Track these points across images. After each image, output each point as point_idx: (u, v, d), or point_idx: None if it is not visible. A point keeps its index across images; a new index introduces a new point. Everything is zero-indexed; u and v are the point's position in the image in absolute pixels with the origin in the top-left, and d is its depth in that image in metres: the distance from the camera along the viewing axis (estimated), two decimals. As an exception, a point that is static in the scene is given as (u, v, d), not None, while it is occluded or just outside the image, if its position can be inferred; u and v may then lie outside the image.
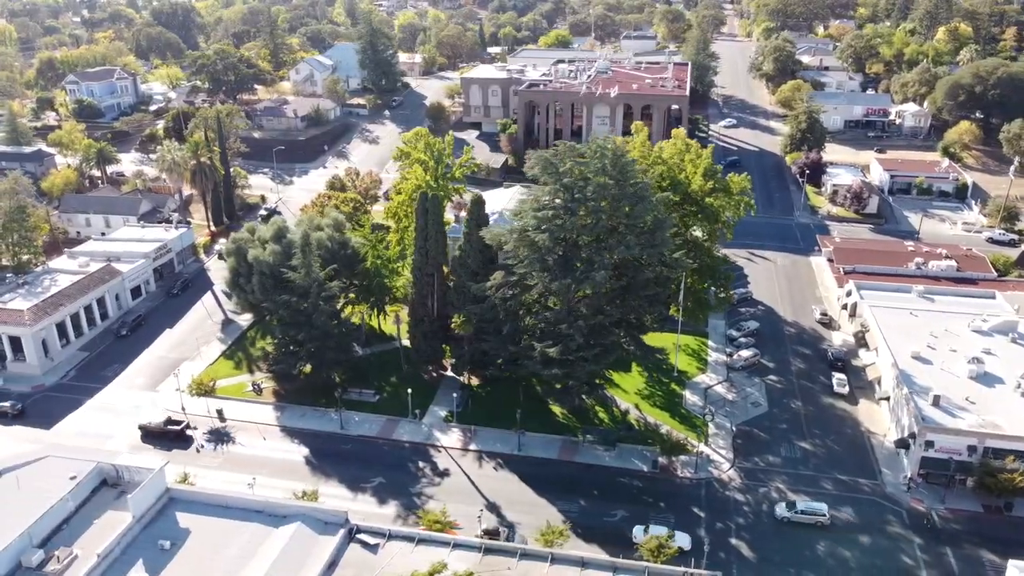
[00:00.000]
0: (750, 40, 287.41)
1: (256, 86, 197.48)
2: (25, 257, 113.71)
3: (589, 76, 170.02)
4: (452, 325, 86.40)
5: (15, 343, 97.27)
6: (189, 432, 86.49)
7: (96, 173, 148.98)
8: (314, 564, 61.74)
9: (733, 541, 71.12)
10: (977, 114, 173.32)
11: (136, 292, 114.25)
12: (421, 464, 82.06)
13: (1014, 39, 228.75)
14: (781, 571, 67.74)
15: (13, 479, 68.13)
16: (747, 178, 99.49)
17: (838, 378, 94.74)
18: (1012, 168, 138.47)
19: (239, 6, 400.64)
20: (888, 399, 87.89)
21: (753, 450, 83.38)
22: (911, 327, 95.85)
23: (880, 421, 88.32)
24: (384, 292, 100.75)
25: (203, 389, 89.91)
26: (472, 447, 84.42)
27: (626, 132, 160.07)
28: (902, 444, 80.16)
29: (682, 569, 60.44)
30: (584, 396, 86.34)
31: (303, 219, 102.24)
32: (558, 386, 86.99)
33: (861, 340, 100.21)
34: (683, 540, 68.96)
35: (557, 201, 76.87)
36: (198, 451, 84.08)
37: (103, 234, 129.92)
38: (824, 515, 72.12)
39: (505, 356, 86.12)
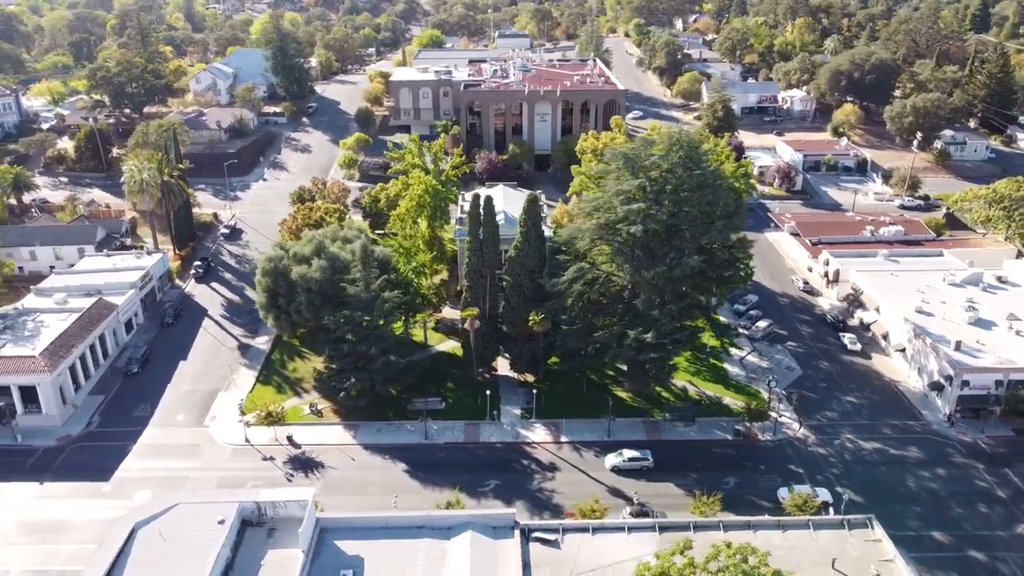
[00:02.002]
0: (615, 36, 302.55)
1: (168, 98, 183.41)
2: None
3: (519, 74, 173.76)
4: (529, 323, 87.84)
5: (26, 393, 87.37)
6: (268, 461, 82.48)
7: (11, 201, 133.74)
8: (510, 567, 62.26)
9: (837, 489, 78.72)
10: (853, 97, 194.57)
11: (128, 326, 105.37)
12: (524, 462, 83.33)
13: (852, 28, 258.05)
14: (890, 507, 75.82)
15: (154, 532, 62.90)
16: (749, 162, 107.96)
17: (849, 337, 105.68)
18: (915, 143, 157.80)
19: (61, 12, 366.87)
20: (903, 350, 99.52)
21: (810, 409, 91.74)
22: (897, 286, 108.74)
23: (898, 370, 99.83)
24: (421, 299, 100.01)
25: (274, 418, 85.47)
26: (562, 439, 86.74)
27: (565, 129, 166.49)
28: (936, 387, 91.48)
29: (839, 517, 66.96)
30: (662, 378, 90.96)
31: (326, 232, 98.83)
32: (623, 370, 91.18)
33: (854, 302, 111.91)
34: (824, 495, 75.58)
35: (642, 193, 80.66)
36: (289, 480, 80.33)
37: (52, 268, 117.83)
38: (648, 460, 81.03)
39: (584, 348, 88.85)
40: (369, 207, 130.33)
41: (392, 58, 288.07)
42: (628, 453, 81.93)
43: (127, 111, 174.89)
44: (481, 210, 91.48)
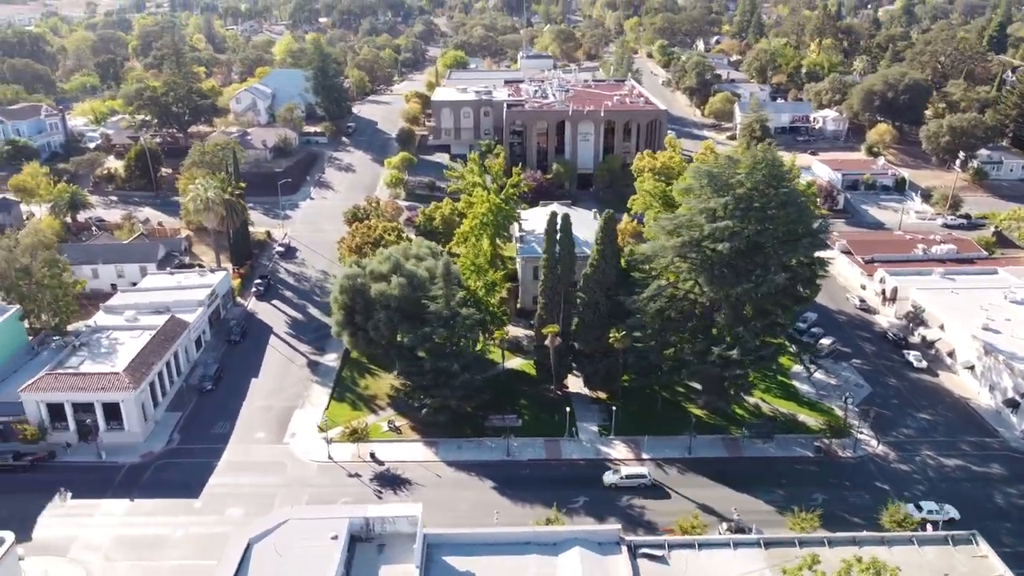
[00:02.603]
0: (638, 56, 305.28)
1: (214, 118, 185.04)
2: (58, 318, 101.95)
3: (558, 94, 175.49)
4: (610, 340, 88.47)
5: (109, 411, 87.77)
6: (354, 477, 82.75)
7: (67, 220, 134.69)
8: (625, 582, 62.47)
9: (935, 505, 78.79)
10: (885, 117, 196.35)
11: (197, 343, 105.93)
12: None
13: (874, 49, 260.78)
14: (982, 523, 75.66)
15: (270, 548, 63.14)
16: (813, 182, 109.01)
17: (914, 354, 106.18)
18: (956, 163, 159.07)
19: (83, 33, 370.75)
20: (972, 367, 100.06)
21: (885, 426, 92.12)
22: (958, 304, 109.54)
23: (967, 387, 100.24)
24: (491, 317, 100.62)
25: (359, 435, 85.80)
26: (644, 456, 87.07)
27: (607, 148, 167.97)
28: (1011, 403, 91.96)
29: (943, 533, 67.18)
30: (742, 394, 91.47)
31: (397, 249, 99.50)
32: (695, 388, 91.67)
33: (915, 319, 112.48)
34: (952, 512, 75.89)
35: (728, 212, 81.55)
36: (378, 497, 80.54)
37: (113, 285, 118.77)
38: (646, 477, 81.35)
39: (661, 365, 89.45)
40: (423, 225, 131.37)
41: (414, 78, 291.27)
42: (626, 470, 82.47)
43: (173, 131, 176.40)
44: (557, 228, 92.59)
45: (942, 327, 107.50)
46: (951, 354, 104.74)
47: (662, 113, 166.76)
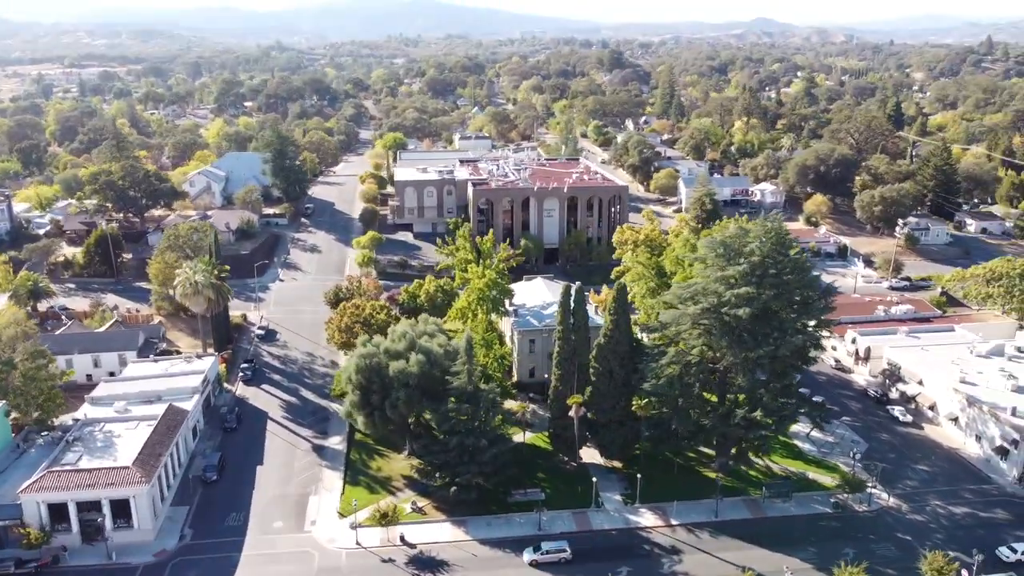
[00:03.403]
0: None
1: (172, 201, 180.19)
2: (42, 412, 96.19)
3: (517, 173, 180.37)
4: (633, 407, 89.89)
5: (117, 508, 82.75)
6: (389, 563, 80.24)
7: (27, 309, 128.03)
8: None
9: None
10: (818, 189, 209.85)
11: (193, 432, 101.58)
12: (645, 547, 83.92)
13: (790, 127, 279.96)
14: (1008, 567, 79.78)
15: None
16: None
17: (899, 409, 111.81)
18: (898, 229, 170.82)
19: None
20: (956, 419, 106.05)
21: (890, 479, 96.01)
22: (931, 360, 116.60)
23: (952, 438, 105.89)
24: (501, 390, 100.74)
25: (389, 519, 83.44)
26: (673, 522, 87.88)
27: (571, 224, 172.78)
28: (1001, 451, 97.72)
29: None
30: (760, 455, 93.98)
31: (408, 325, 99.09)
32: (704, 452, 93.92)
33: (892, 376, 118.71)
34: None
35: (742, 279, 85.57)
36: (419, 582, 78.35)
37: (89, 376, 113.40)
38: (566, 551, 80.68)
39: (679, 430, 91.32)
40: (407, 303, 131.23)
41: (350, 160, 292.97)
42: (546, 546, 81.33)
43: (129, 215, 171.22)
44: (572, 300, 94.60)
45: (920, 382, 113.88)
46: (932, 407, 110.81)
47: (623, 189, 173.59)
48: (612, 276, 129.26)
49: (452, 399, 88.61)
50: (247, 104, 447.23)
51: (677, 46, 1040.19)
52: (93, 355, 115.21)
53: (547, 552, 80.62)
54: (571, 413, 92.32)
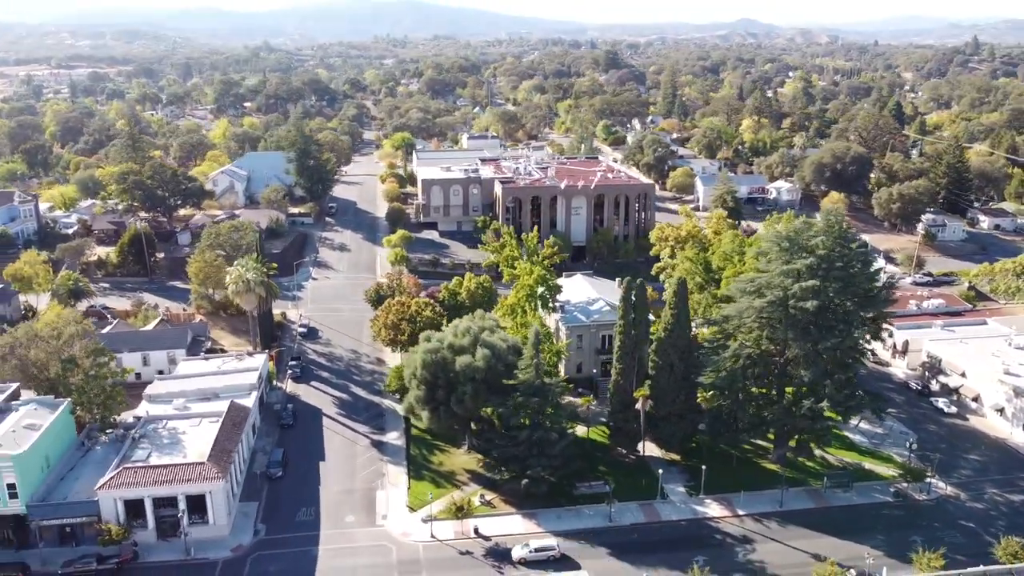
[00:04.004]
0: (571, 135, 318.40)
1: (201, 201, 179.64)
2: (104, 410, 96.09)
3: (539, 171, 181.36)
4: (699, 399, 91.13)
5: (194, 504, 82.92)
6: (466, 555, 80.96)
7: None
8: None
9: None
10: (833, 187, 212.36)
11: (252, 429, 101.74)
12: (717, 537, 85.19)
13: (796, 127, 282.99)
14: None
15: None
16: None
17: (943, 401, 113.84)
18: (920, 227, 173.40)
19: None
20: (1002, 410, 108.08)
21: (944, 468, 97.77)
22: (970, 352, 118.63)
23: (998, 428, 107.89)
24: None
25: (464, 512, 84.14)
26: (739, 512, 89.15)
27: (597, 222, 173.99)
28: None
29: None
30: (820, 446, 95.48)
31: (468, 319, 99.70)
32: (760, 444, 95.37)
33: (933, 369, 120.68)
34: None
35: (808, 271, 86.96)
36: (500, 573, 78.99)
37: (138, 374, 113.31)
38: (555, 549, 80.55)
39: (740, 422, 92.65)
40: (448, 301, 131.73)
41: (357, 160, 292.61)
42: (535, 544, 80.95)
43: (158, 215, 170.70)
44: (632, 295, 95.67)
45: (963, 374, 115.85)
46: (976, 399, 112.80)
47: (650, 187, 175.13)
48: (653, 272, 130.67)
49: (517, 394, 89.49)
50: (247, 105, 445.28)
51: (664, 46, 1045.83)
52: (143, 353, 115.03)
53: (536, 551, 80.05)
54: (637, 406, 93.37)
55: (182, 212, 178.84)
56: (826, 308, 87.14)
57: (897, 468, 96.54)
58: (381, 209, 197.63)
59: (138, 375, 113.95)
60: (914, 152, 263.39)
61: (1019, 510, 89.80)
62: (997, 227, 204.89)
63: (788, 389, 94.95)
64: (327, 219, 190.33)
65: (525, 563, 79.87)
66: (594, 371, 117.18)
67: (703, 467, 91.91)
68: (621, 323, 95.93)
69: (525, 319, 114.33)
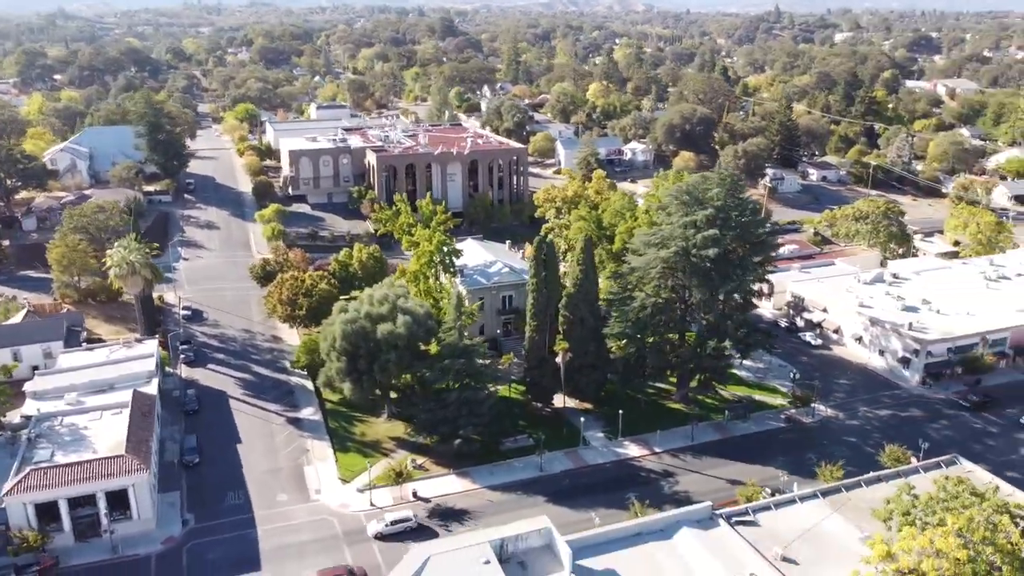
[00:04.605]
0: (426, 104, 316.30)
1: (45, 182, 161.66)
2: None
3: (408, 139, 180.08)
4: (613, 349, 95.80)
5: (113, 500, 78.01)
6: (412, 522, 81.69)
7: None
8: (742, 548, 69.95)
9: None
10: (683, 146, 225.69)
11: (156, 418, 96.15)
12: (642, 474, 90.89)
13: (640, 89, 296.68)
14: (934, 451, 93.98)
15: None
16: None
17: (810, 335, 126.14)
18: (766, 180, 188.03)
19: None
20: (860, 338, 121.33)
21: (822, 393, 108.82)
22: (827, 290, 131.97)
23: (858, 355, 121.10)
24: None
25: (403, 476, 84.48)
26: (656, 449, 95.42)
27: (471, 188, 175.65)
28: (904, 361, 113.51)
29: (933, 460, 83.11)
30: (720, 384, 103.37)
31: (383, 286, 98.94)
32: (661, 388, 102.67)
33: (797, 307, 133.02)
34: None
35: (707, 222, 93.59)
36: (449, 531, 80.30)
37: (9, 372, 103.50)
38: (411, 520, 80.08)
39: (661, 365, 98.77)
40: (339, 273, 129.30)
41: (198, 134, 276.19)
42: (390, 516, 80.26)
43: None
44: (544, 254, 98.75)
45: (824, 310, 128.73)
46: (837, 331, 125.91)
47: (522, 151, 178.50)
48: (543, 232, 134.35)
49: (443, 357, 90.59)
50: (56, 77, 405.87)
51: (491, 14, 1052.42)
52: (12, 349, 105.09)
53: (392, 523, 79.13)
54: (558, 360, 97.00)
55: (21, 195, 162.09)
56: (724, 255, 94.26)
57: (783, 397, 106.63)
58: (243, 184, 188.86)
59: (9, 373, 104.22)
60: (740, 113, 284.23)
61: (888, 423, 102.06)
62: (824, 179, 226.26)
63: (688, 334, 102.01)
64: (187, 196, 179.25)
65: (382, 537, 78.22)
66: (497, 331, 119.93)
67: (619, 412, 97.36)
68: (533, 281, 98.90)
69: (428, 285, 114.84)
